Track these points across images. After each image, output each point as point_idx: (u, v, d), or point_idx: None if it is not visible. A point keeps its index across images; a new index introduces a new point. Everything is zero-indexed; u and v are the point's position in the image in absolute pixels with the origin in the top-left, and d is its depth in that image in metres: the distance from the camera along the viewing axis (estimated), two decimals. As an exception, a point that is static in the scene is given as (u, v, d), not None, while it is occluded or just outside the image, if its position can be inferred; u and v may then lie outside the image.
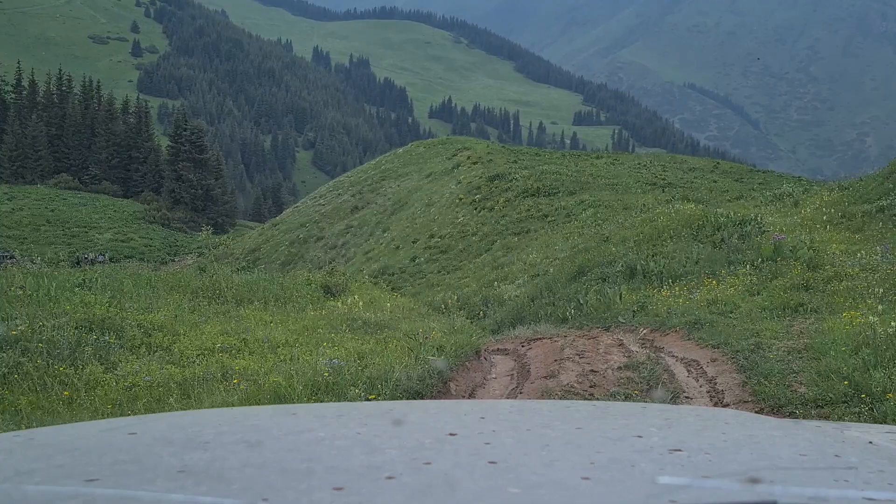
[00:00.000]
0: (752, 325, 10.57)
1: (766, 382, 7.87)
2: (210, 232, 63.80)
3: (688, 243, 17.63)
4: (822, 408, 7.03)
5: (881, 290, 11.32)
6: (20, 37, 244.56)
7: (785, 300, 11.91)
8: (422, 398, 6.76)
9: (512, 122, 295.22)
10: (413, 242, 38.00)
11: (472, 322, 18.74)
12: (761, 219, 18.53)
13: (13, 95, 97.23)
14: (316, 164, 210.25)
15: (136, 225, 78.75)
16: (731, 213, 19.16)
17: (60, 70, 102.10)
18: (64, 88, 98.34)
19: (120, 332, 7.70)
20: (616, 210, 29.90)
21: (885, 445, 1.91)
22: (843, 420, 6.24)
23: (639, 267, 16.57)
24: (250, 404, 5.81)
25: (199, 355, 7.45)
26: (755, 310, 11.69)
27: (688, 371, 9.06)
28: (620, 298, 14.66)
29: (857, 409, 6.79)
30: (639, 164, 49.00)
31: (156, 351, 7.50)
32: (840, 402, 7.03)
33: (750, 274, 14.38)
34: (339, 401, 5.92)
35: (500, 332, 15.71)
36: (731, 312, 11.89)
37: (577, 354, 9.40)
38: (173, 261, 64.67)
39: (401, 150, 65.11)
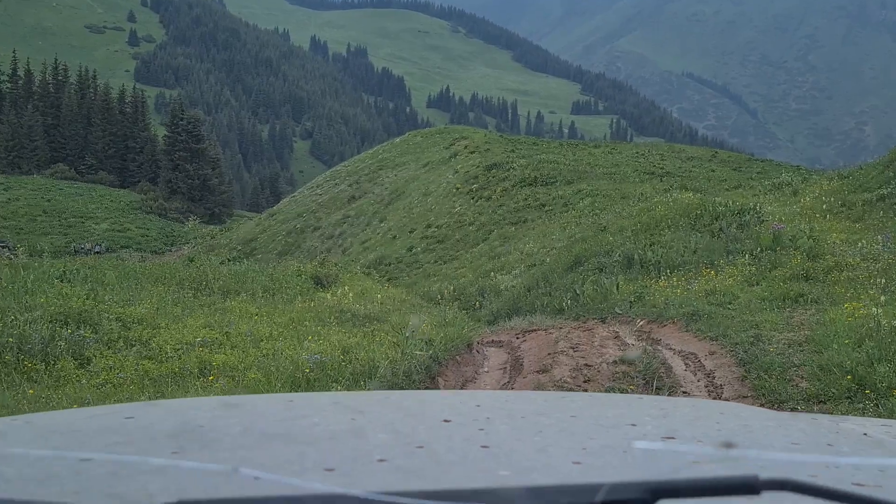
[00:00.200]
0: (751, 316, 10.31)
1: (766, 377, 7.63)
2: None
3: (686, 233, 17.40)
4: (825, 403, 6.79)
5: (883, 281, 11.06)
6: (16, 26, 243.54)
7: (785, 291, 11.66)
8: None
9: (510, 111, 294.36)
10: (410, 232, 37.80)
11: (467, 313, 18.58)
12: (760, 208, 18.30)
13: (9, 85, 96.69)
14: (314, 154, 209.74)
15: (132, 215, 78.29)
16: (730, 203, 18.92)
17: (56, 60, 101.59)
18: (60, 78, 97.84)
19: (97, 326, 7.44)
20: (614, 199, 29.63)
21: (879, 437, 1.92)
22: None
23: (636, 257, 16.35)
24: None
25: (178, 350, 7.18)
26: (754, 300, 11.44)
27: (685, 364, 8.80)
28: (617, 289, 14.43)
29: (860, 405, 6.54)
30: (637, 153, 48.72)
31: (133, 345, 7.24)
32: (843, 398, 6.78)
33: (749, 264, 14.14)
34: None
35: (495, 322, 15.50)
36: (730, 303, 11.64)
37: (571, 347, 9.14)
38: (170, 251, 64.45)
39: (398, 140, 64.85)
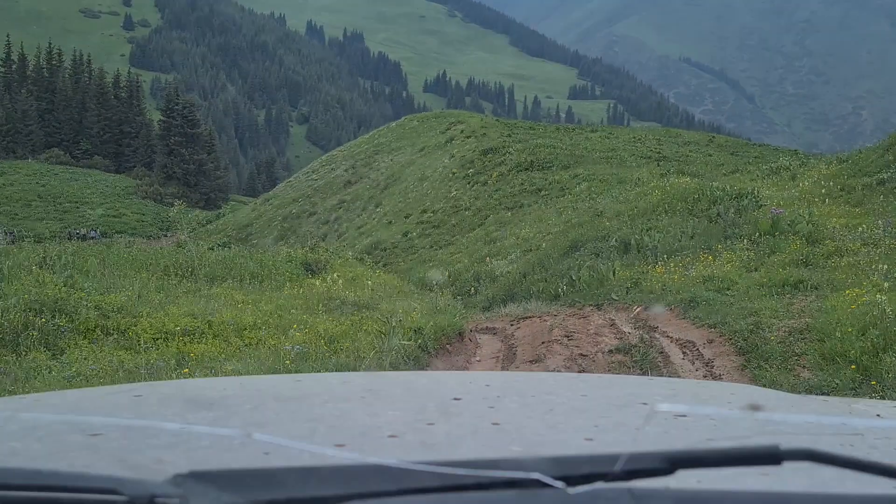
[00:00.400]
0: (750, 303, 10.05)
1: (766, 366, 7.39)
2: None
3: (683, 218, 17.18)
4: (828, 395, 6.55)
5: (885, 267, 10.80)
6: (11, 11, 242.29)
7: (784, 276, 11.41)
8: None
9: (507, 96, 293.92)
10: (405, 217, 37.59)
11: (463, 299, 18.40)
12: (758, 192, 18.08)
13: (3, 70, 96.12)
14: (310, 139, 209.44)
15: (128, 200, 78.06)
16: (728, 187, 18.69)
17: (51, 44, 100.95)
18: (54, 63, 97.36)
19: (73, 315, 7.18)
20: (610, 184, 29.39)
21: (892, 417, 1.92)
22: None
23: (633, 242, 16.13)
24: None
25: (157, 339, 6.92)
26: (753, 287, 11.19)
27: (683, 353, 8.55)
28: (614, 275, 14.22)
29: (866, 398, 6.30)
30: (634, 137, 48.43)
31: (112, 334, 6.99)
32: (847, 389, 6.52)
33: (747, 249, 13.92)
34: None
35: (490, 309, 15.31)
36: (728, 289, 11.40)
37: (565, 336, 8.90)
38: (165, 236, 64.24)
39: (394, 124, 64.57)
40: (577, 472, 0.91)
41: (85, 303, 7.41)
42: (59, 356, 6.30)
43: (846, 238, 13.70)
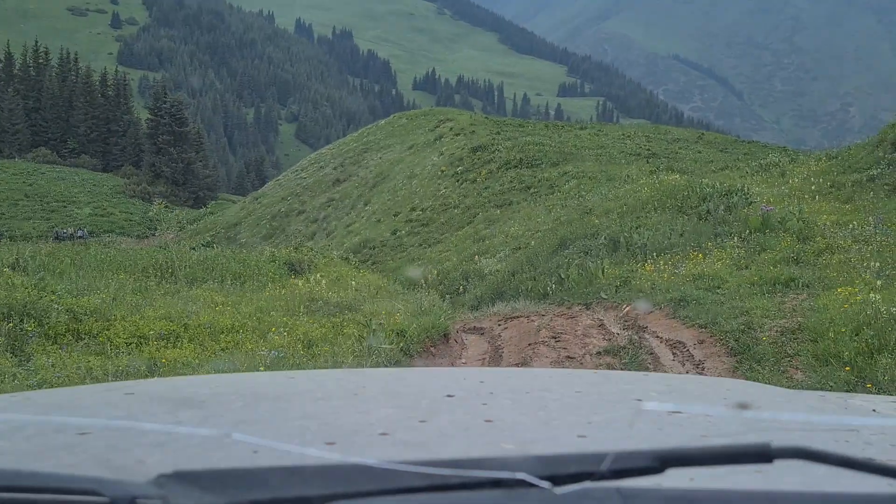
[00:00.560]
0: (740, 302, 9.88)
1: (758, 368, 7.21)
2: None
3: (672, 215, 17.03)
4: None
5: (877, 265, 10.67)
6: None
7: (775, 274, 11.26)
8: None
9: (496, 93, 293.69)
10: (394, 215, 37.42)
11: (451, 297, 18.22)
12: (748, 189, 17.94)
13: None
14: (299, 137, 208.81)
15: (115, 199, 77.49)
16: (717, 184, 18.54)
17: (37, 42, 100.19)
18: (41, 61, 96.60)
19: (43, 319, 6.93)
20: (600, 181, 29.21)
21: (888, 413, 1.92)
22: None
23: (622, 240, 15.97)
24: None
25: (130, 344, 6.69)
26: (744, 285, 11.04)
27: (673, 354, 8.36)
28: (603, 273, 14.05)
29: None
30: (623, 134, 48.34)
31: (83, 339, 6.75)
32: (841, 392, 6.36)
33: (737, 246, 13.77)
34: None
35: (479, 308, 15.14)
36: (719, 288, 11.23)
37: (553, 337, 8.70)
38: (153, 235, 63.94)
39: (383, 122, 64.36)
40: (565, 471, 0.90)
41: (56, 306, 7.16)
42: (25, 363, 6.07)
43: (837, 235, 13.57)
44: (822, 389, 6.53)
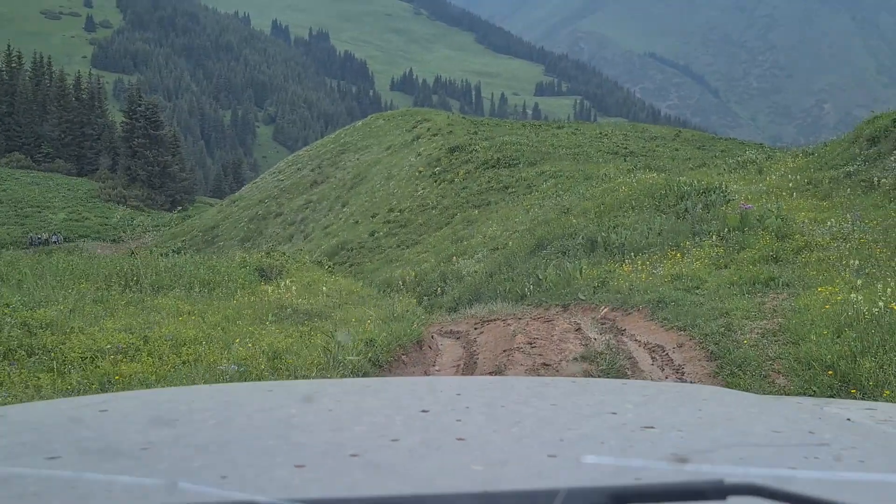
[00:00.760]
0: (720, 302, 9.70)
1: (739, 373, 7.00)
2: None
3: (650, 214, 16.89)
4: (806, 403, 6.19)
5: (856, 263, 10.52)
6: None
7: (754, 274, 11.11)
8: None
9: (474, 93, 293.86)
10: (372, 217, 37.22)
11: (429, 299, 18.00)
12: (726, 187, 17.84)
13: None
14: (277, 139, 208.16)
15: (91, 204, 76.91)
16: (695, 182, 18.43)
17: (9, 46, 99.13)
18: (14, 65, 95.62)
19: (-8, 334, 6.62)
20: (577, 180, 29.11)
21: (862, 422, 1.90)
22: None
23: (599, 239, 15.82)
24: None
25: (84, 359, 6.39)
26: (723, 285, 10.87)
27: (652, 359, 8.15)
28: (581, 273, 13.87)
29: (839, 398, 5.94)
30: (600, 133, 48.39)
31: (35, 354, 6.44)
32: (825, 397, 6.19)
33: (716, 245, 13.63)
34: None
35: (457, 310, 14.95)
36: (698, 288, 11.06)
37: (528, 343, 8.46)
38: (130, 239, 63.28)
39: (360, 123, 64.24)
40: None
41: (9, 319, 6.86)
42: (-30, 382, 5.76)
43: (815, 233, 13.46)
44: (805, 394, 6.36)
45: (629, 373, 7.56)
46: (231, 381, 5.71)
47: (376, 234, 33.71)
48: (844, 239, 12.77)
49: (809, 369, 6.69)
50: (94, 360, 6.37)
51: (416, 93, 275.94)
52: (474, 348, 9.12)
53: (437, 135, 46.40)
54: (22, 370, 5.95)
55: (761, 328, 8.34)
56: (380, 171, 44.92)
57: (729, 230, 14.14)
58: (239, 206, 55.66)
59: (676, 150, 42.52)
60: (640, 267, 13.47)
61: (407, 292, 18.41)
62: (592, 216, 18.25)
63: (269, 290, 10.23)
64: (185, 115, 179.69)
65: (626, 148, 42.02)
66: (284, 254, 16.90)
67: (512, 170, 35.45)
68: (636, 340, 8.99)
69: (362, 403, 1.92)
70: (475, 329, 10.86)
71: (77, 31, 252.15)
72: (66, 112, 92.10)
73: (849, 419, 1.93)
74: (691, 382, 7.24)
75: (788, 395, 6.42)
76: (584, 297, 12.37)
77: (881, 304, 7.40)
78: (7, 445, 1.48)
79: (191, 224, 59.81)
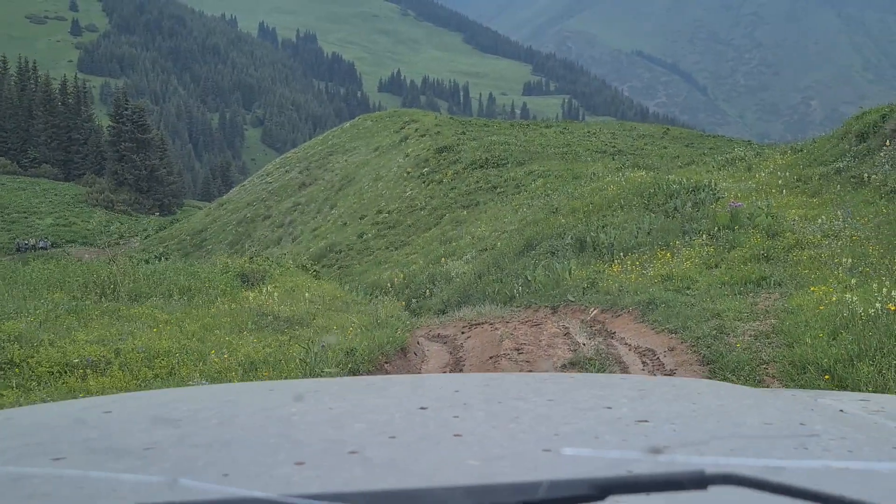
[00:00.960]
0: (711, 303, 9.50)
1: (733, 377, 6.79)
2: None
3: (639, 213, 16.71)
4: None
5: (849, 261, 10.35)
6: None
7: (746, 273, 10.92)
8: None
9: (462, 93, 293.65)
10: (360, 218, 37.01)
11: (418, 301, 17.77)
12: (715, 185, 17.68)
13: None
14: (265, 142, 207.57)
15: (78, 208, 76.44)
16: (684, 180, 18.27)
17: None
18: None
19: (-42, 348, 6.37)
20: (566, 180, 28.94)
21: (854, 413, 1.91)
22: None
23: (588, 240, 15.63)
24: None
25: (53, 374, 6.13)
26: (714, 285, 10.67)
27: (643, 363, 7.94)
28: (570, 274, 13.67)
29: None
30: (588, 132, 48.28)
31: (2, 369, 6.19)
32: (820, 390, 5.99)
33: (706, 244, 13.45)
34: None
35: (446, 312, 14.76)
36: (689, 289, 10.86)
37: (515, 349, 8.25)
38: (118, 244, 63.02)
39: (348, 125, 64.07)
40: (496, 500, 0.91)
41: (-24, 332, 6.63)
42: (-69, 400, 5.51)
43: (806, 230, 13.31)
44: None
45: (619, 379, 7.38)
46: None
47: (365, 236, 33.51)
48: (836, 236, 12.61)
49: (805, 373, 6.49)
50: (62, 374, 6.13)
51: (404, 94, 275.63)
52: (461, 354, 8.91)
53: (424, 135, 46.24)
54: (-16, 387, 5.71)
55: (754, 330, 8.15)
56: (368, 172, 44.72)
57: (719, 229, 13.97)
58: (227, 210, 55.39)
59: (665, 148, 42.41)
60: (629, 267, 13.29)
61: (395, 295, 18.21)
62: (581, 216, 18.07)
63: (251, 297, 9.98)
64: (173, 119, 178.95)
65: (614, 146, 41.89)
66: (268, 259, 16.63)
67: (500, 170, 35.29)
68: (626, 344, 8.78)
69: (362, 401, 1.95)
70: (462, 333, 10.65)
71: (63, 36, 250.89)
72: (53, 117, 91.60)
73: (841, 410, 1.93)
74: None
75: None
76: (573, 299, 12.18)
77: (878, 305, 7.20)
78: (15, 447, 1.51)
79: (179, 228, 59.53)
